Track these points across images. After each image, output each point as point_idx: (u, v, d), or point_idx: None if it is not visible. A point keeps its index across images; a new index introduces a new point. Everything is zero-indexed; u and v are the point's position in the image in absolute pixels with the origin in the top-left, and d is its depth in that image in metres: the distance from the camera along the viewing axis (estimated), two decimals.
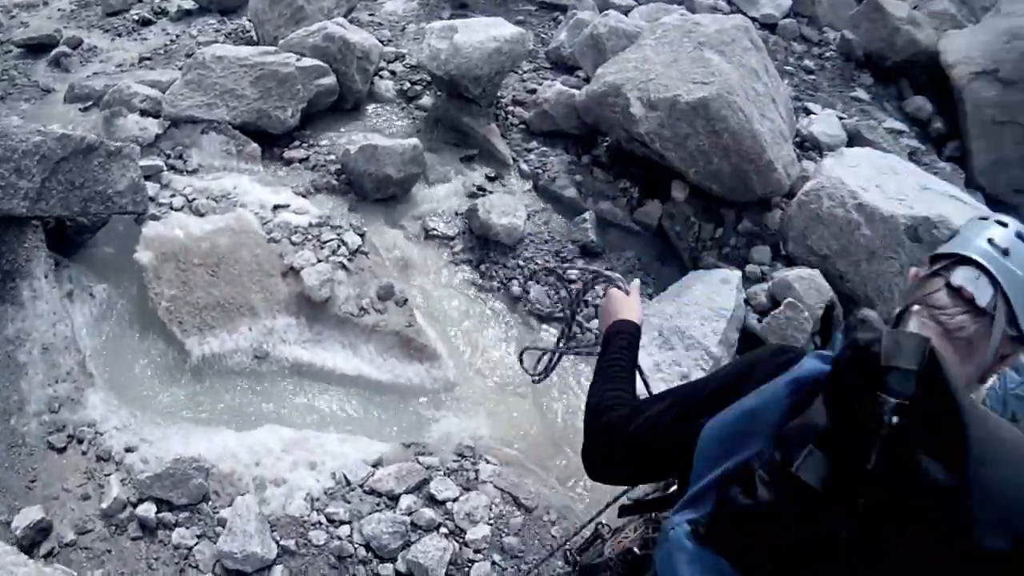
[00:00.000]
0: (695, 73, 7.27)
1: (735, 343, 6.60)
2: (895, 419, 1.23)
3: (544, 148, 8.43)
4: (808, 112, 9.51)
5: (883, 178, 7.35)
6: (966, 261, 1.64)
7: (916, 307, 1.64)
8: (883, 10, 10.75)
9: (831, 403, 1.33)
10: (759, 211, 7.71)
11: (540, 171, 8.08)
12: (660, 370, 6.31)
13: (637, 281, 2.61)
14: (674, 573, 1.41)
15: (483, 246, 7.18)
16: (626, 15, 10.22)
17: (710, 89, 7.04)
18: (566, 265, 6.05)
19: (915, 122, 10.39)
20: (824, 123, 9.14)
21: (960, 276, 1.61)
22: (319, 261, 6.10)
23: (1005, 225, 1.70)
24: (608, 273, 2.63)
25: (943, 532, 1.23)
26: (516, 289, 6.88)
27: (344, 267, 6.18)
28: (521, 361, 3.72)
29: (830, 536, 1.27)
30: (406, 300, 6.23)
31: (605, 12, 9.61)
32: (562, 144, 8.53)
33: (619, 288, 2.53)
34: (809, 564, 1.30)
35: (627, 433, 1.81)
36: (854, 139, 9.09)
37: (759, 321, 6.78)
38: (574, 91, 8.49)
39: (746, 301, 6.89)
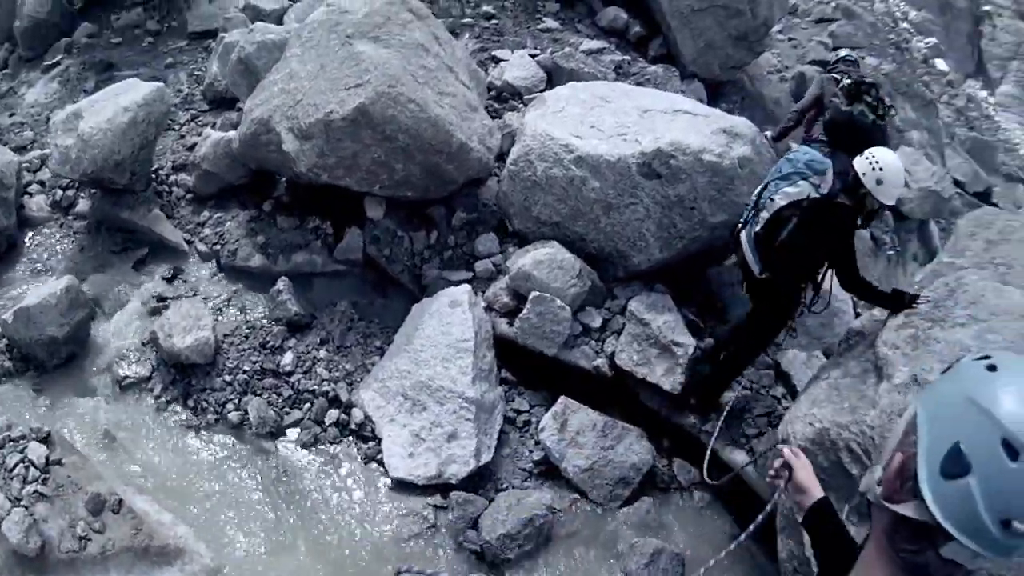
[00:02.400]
0: (346, 76, 6.06)
1: (491, 365, 5.63)
2: None
3: (218, 214, 7.06)
4: (497, 60, 8.55)
5: (596, 114, 6.49)
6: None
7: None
8: None
9: None
10: (470, 194, 6.72)
11: (219, 246, 6.76)
12: (421, 439, 5.29)
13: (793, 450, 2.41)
14: None
15: (182, 374, 5.92)
16: (281, 20, 8.90)
17: (367, 91, 5.88)
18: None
19: (613, 33, 9.71)
20: (517, 67, 8.21)
21: (951, 551, 1.28)
22: (13, 503, 4.85)
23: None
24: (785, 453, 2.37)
25: None
26: (233, 414, 5.69)
27: (42, 495, 4.92)
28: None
29: None
30: (120, 501, 5.00)
31: (251, 28, 8.12)
32: (236, 201, 7.15)
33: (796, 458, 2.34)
34: None
35: None
36: (553, 74, 8.25)
37: (510, 325, 5.80)
38: (232, 135, 7.05)
39: (489, 307, 5.89)
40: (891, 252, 10.46)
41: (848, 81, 6.39)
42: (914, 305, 4.52)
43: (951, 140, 17.20)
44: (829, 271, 5.03)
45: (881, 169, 4.55)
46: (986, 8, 27.65)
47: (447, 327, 5.52)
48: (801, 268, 5.01)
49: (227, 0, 9.94)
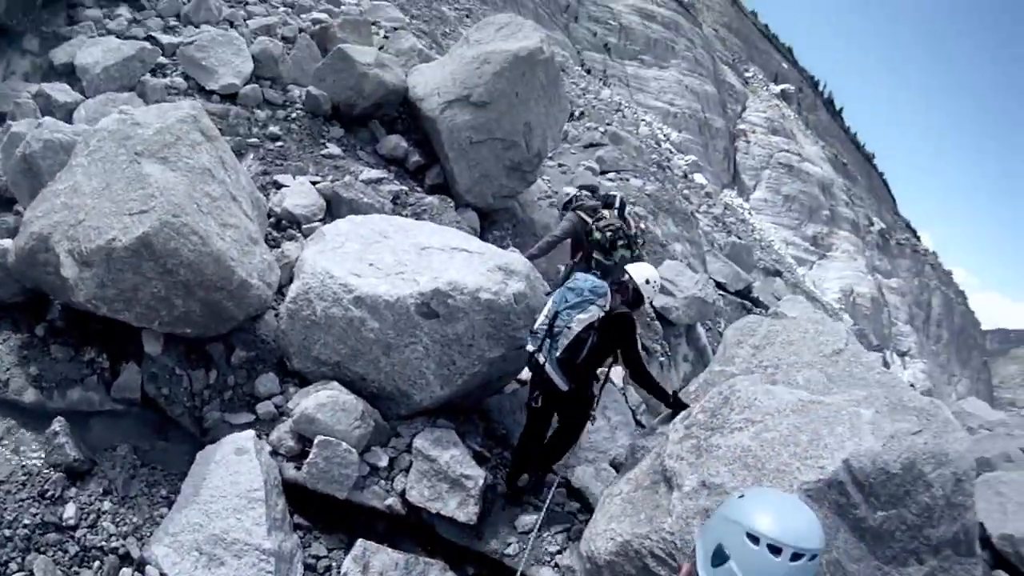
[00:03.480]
0: (132, 200, 5.70)
1: (284, 512, 5.50)
2: None
3: None
4: (279, 186, 8.45)
5: (375, 251, 6.57)
6: None
7: None
8: (349, 59, 10.04)
9: None
10: (248, 329, 6.60)
11: None
12: None
13: None
14: None
15: None
16: (71, 117, 8.20)
17: (151, 219, 5.57)
18: None
19: (392, 161, 9.96)
20: (297, 194, 8.16)
21: None
22: None
23: None
24: None
25: None
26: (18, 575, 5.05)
27: None
28: None
29: None
30: None
31: (40, 122, 7.23)
32: (9, 321, 6.47)
33: None
34: None
35: None
36: (332, 202, 8.31)
37: (298, 469, 5.69)
38: (8, 244, 6.31)
39: (274, 452, 5.76)
40: (662, 359, 11.20)
41: (599, 236, 7.73)
42: (678, 401, 5.42)
43: (711, 246, 18.78)
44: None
45: (654, 285, 6.04)
46: (742, 127, 30.66)
47: (235, 476, 5.33)
48: (596, 371, 5.87)
49: (20, 83, 9.20)
